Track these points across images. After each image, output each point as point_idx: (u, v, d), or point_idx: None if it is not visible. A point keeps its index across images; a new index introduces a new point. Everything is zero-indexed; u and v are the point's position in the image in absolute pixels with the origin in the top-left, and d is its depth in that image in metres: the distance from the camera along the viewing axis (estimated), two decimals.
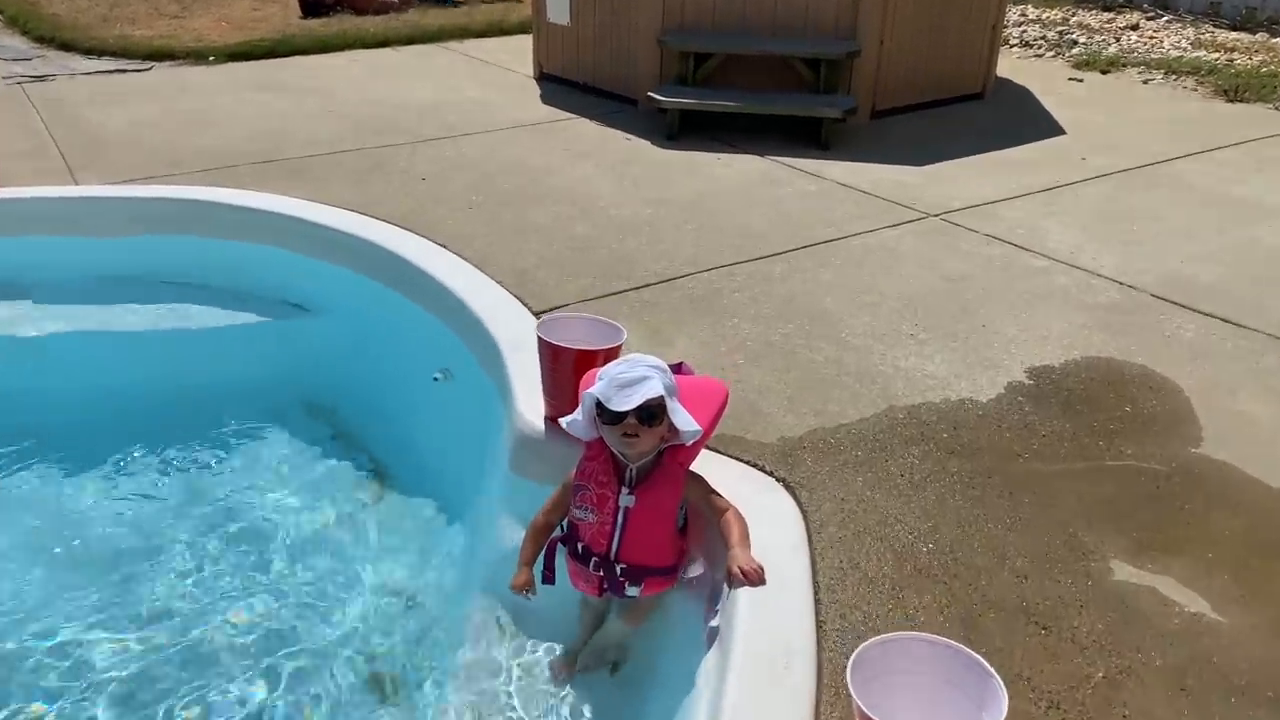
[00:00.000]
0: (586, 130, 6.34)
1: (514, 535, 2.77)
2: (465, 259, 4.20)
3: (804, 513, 2.73)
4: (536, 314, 3.74)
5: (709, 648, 2.41)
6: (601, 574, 2.54)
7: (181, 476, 3.80)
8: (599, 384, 2.44)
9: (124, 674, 2.96)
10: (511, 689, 2.67)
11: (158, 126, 6.13)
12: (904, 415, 3.19)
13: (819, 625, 2.34)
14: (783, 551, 2.56)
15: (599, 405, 2.40)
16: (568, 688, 2.69)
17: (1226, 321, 3.83)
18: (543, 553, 2.61)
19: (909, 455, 2.98)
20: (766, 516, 2.66)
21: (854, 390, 3.33)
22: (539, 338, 2.93)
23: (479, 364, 3.60)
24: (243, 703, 2.86)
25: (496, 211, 4.82)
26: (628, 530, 2.50)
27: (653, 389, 2.36)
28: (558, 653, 2.77)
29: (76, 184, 4.99)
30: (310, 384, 4.13)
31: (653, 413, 2.39)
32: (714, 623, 2.46)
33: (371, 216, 4.60)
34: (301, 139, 5.91)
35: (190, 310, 4.33)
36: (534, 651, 2.79)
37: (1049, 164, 5.75)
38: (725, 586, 2.42)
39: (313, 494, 3.73)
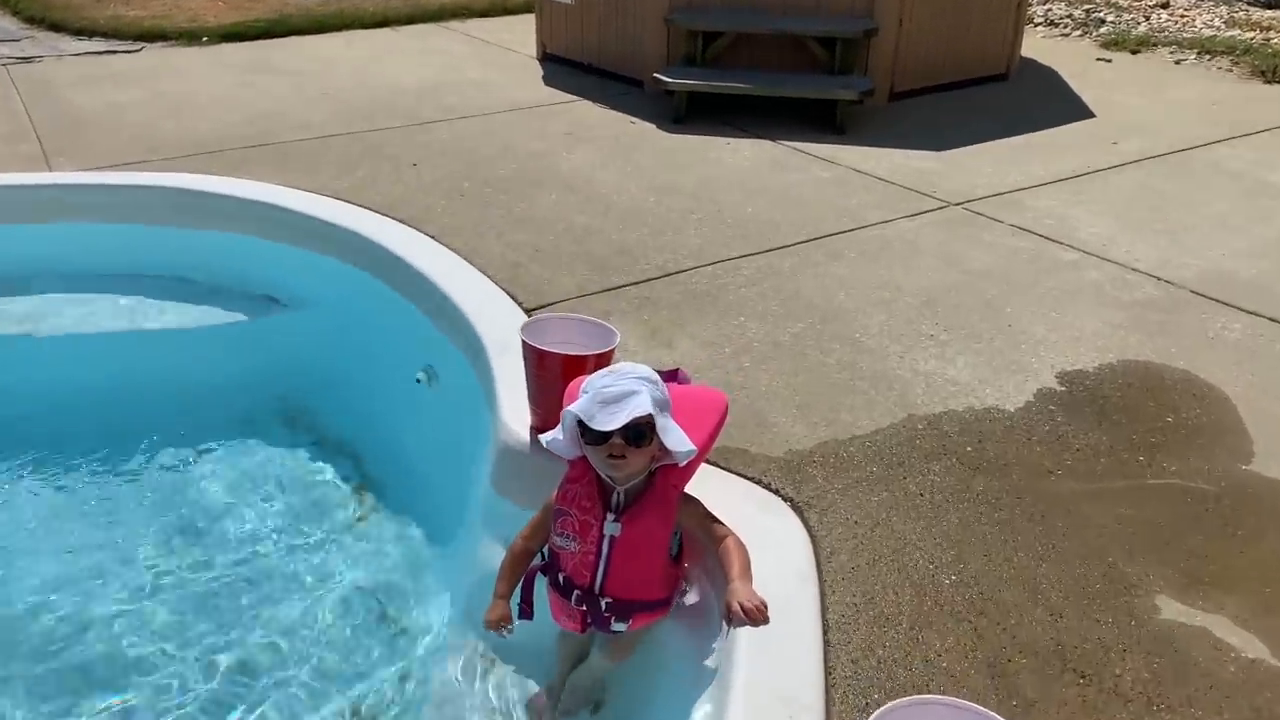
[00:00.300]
0: (589, 113, 6.05)
1: (495, 560, 2.52)
2: (453, 250, 3.94)
3: (813, 538, 2.46)
4: (528, 311, 3.48)
5: (703, 691, 2.16)
6: (585, 608, 2.29)
7: (143, 487, 3.55)
8: (581, 399, 2.17)
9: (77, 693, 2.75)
10: None
11: (141, 110, 5.88)
12: (924, 426, 2.91)
13: (828, 673, 2.08)
14: (788, 582, 2.30)
15: (581, 423, 2.14)
16: None
17: (1275, 321, 3.53)
18: (520, 583, 2.36)
19: (929, 472, 2.71)
20: (771, 541, 2.40)
21: (869, 397, 3.05)
22: (523, 341, 2.67)
23: (467, 364, 3.34)
24: None
25: (490, 199, 4.55)
26: (614, 561, 2.24)
27: (640, 406, 2.10)
28: (537, 690, 2.52)
29: (50, 169, 4.75)
30: (288, 385, 3.88)
31: (641, 432, 2.12)
32: (709, 662, 2.20)
33: (355, 204, 4.34)
34: (291, 123, 5.65)
35: (157, 306, 4.08)
36: (514, 688, 2.53)
37: (1077, 149, 5.44)
38: (724, 624, 2.15)
39: (291, 509, 3.48)
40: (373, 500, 3.47)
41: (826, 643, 2.16)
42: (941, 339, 3.40)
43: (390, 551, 3.22)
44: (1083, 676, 2.08)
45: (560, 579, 2.31)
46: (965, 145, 5.45)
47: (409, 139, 5.43)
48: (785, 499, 2.60)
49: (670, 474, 2.27)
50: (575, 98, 6.35)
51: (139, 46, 7.56)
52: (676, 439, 2.17)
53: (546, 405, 2.64)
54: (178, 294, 4.19)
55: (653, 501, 2.25)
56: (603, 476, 2.25)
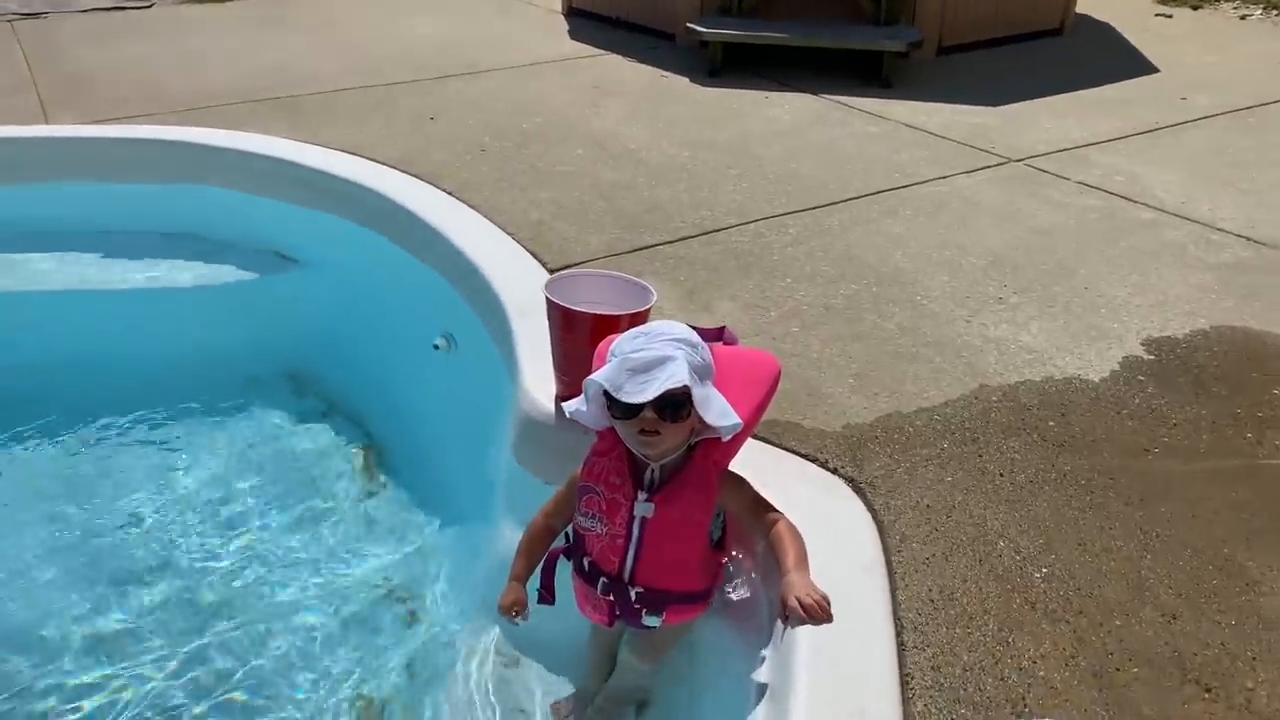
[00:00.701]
0: (618, 67, 5.71)
1: (516, 540, 2.23)
2: (472, 206, 3.63)
3: (878, 523, 2.15)
4: (552, 271, 3.17)
5: (757, 702, 1.86)
6: (612, 598, 1.99)
7: (143, 456, 3.29)
8: (607, 366, 1.87)
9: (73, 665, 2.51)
10: None
11: (147, 65, 5.58)
12: (998, 397, 2.59)
13: (904, 683, 1.78)
14: (853, 575, 1.99)
15: (607, 394, 1.84)
16: None
17: None
18: (540, 566, 2.08)
19: (1008, 449, 2.39)
20: (831, 527, 2.09)
21: (935, 365, 2.73)
22: (547, 299, 2.36)
23: (485, 329, 3.04)
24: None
25: (512, 154, 4.23)
26: (645, 546, 1.95)
27: (675, 375, 1.79)
28: (567, 695, 2.24)
29: (48, 123, 4.48)
30: (296, 350, 3.60)
31: (677, 404, 1.82)
32: (762, 669, 1.90)
33: (368, 159, 4.03)
34: (301, 76, 5.34)
35: (158, 266, 3.79)
36: (538, 684, 2.25)
37: (1143, 104, 5.04)
38: (780, 623, 1.85)
39: (295, 482, 3.20)
40: (383, 474, 3.19)
41: (900, 645, 1.86)
42: (1012, 302, 3.07)
43: (401, 529, 2.94)
44: (1207, 690, 1.76)
45: (585, 564, 2.02)
46: (1022, 100, 5.07)
47: (426, 93, 5.11)
48: (845, 479, 2.28)
49: (712, 449, 1.97)
50: (602, 51, 6.01)
51: (149, 3, 7.26)
52: (719, 412, 1.86)
53: (573, 371, 2.34)
54: (182, 252, 3.91)
55: (691, 479, 1.95)
56: (634, 451, 1.96)
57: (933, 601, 1.95)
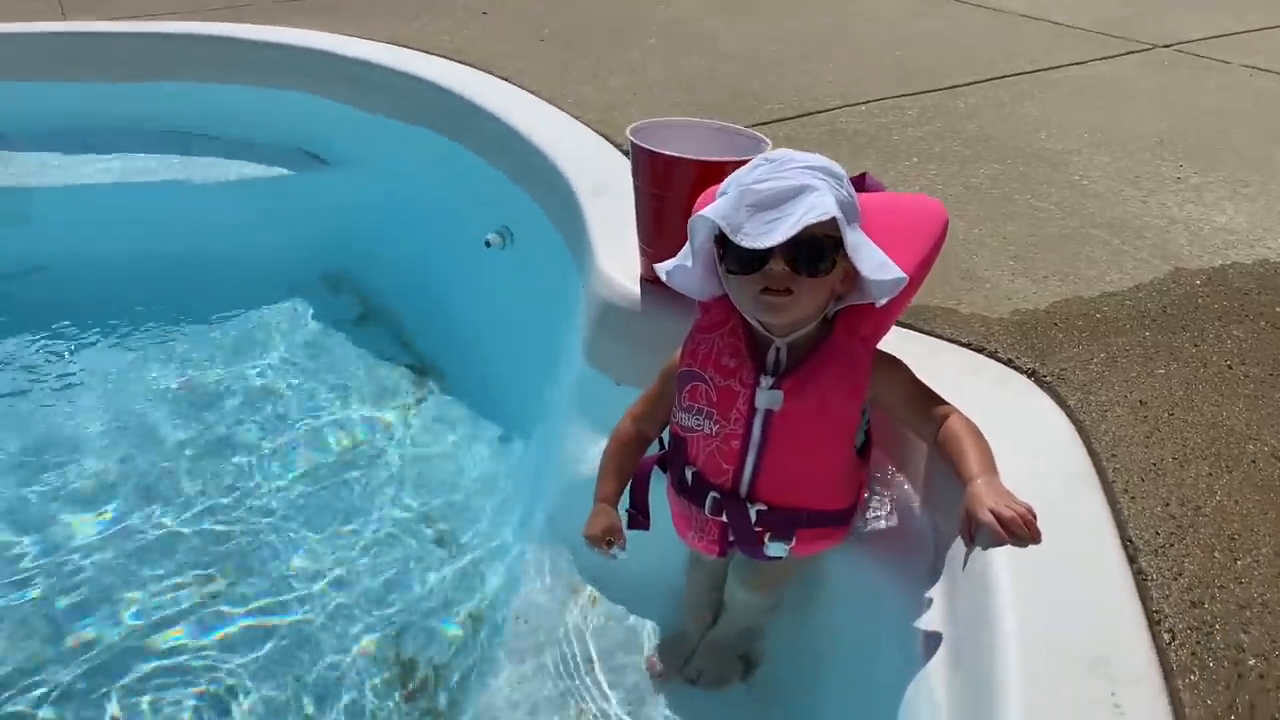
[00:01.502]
0: None
1: (590, 458, 1.74)
2: (531, 92, 3.13)
3: (1077, 423, 1.62)
4: (626, 152, 2.67)
5: (927, 658, 1.36)
6: (725, 519, 1.50)
7: (172, 364, 2.86)
8: (722, 200, 1.37)
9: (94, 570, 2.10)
10: (583, 698, 1.65)
11: None
12: (1202, 281, 2.04)
13: (1152, 624, 1.26)
14: (1060, 487, 1.47)
15: (721, 240, 1.35)
16: (663, 699, 1.67)
17: None
18: (630, 483, 1.59)
19: (1231, 336, 1.84)
20: (1019, 429, 1.57)
21: (1113, 247, 2.18)
22: (634, 145, 1.87)
23: (548, 218, 2.55)
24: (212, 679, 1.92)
25: (574, 44, 3.72)
26: (770, 449, 1.46)
27: (817, 207, 1.30)
28: (658, 642, 1.75)
29: (65, 19, 4.06)
30: (332, 250, 3.14)
31: (817, 250, 1.33)
32: (925, 623, 1.40)
33: (410, 48, 3.55)
34: None
35: (188, 165, 3.36)
36: (620, 630, 1.77)
37: None
38: (968, 547, 1.35)
39: (334, 391, 2.75)
40: (431, 384, 2.72)
41: (1139, 575, 1.33)
42: (1193, 183, 2.50)
43: (450, 448, 2.47)
44: None
45: (688, 476, 1.53)
46: None
47: None
48: (1023, 372, 1.76)
49: (861, 320, 1.47)
50: None
51: None
52: (875, 262, 1.36)
53: (666, 240, 1.84)
54: (213, 150, 3.49)
55: (832, 361, 1.44)
56: (753, 324, 1.45)
57: (1173, 518, 1.42)
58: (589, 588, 1.78)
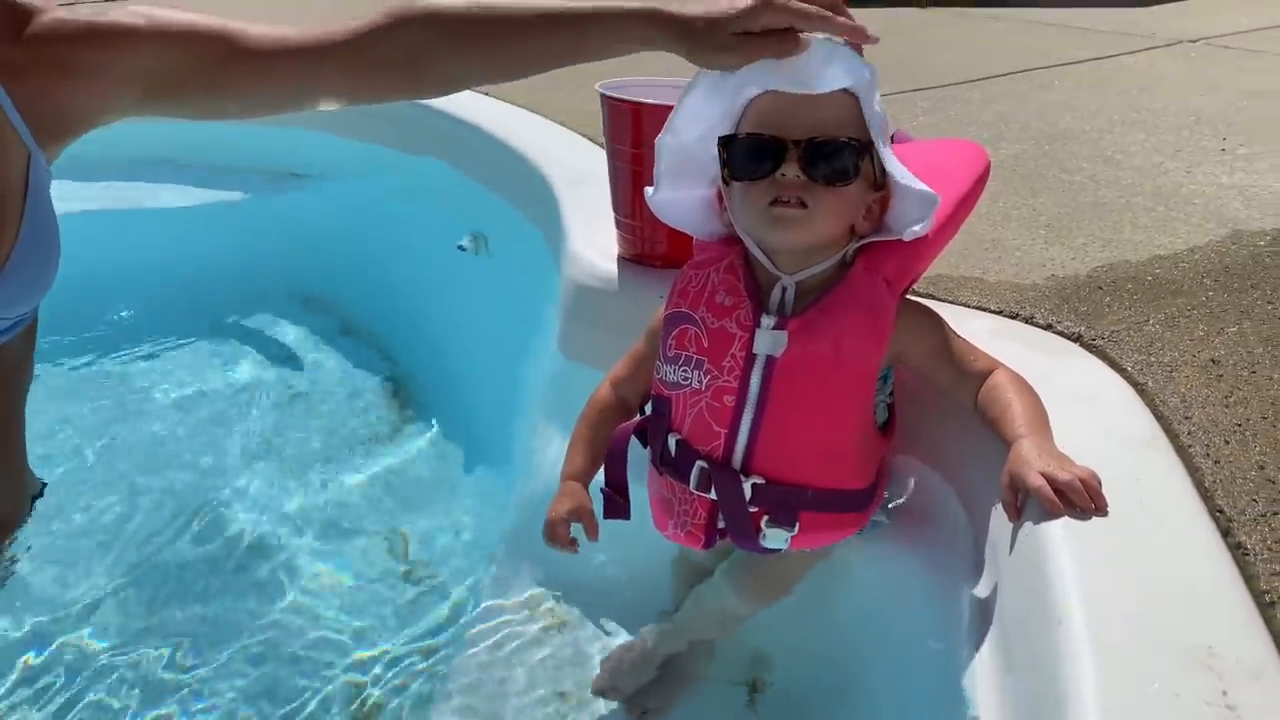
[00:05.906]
0: None
1: (559, 450, 1.47)
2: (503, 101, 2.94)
3: (1136, 385, 1.34)
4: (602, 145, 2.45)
5: (969, 664, 1.08)
6: (713, 495, 1.20)
7: (137, 385, 2.63)
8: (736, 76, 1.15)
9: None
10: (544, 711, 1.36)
11: None
12: (1266, 241, 1.77)
13: (1263, 604, 0.97)
14: (1128, 453, 1.18)
15: (725, 140, 1.15)
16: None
17: None
18: (605, 459, 1.31)
19: None
20: (1070, 393, 1.29)
21: (1159, 214, 1.92)
22: (607, 99, 1.66)
23: (522, 215, 2.35)
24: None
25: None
26: (770, 406, 1.17)
27: (855, 71, 1.08)
28: (617, 646, 1.45)
29: None
30: (305, 269, 2.94)
31: (838, 153, 1.10)
32: (962, 622, 1.12)
33: None
34: None
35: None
36: (596, 652, 1.48)
37: None
38: (1013, 520, 1.07)
39: (300, 408, 2.52)
40: (405, 397, 2.49)
41: (1238, 550, 1.04)
42: (1240, 154, 2.26)
43: (429, 463, 2.22)
44: None
45: (672, 445, 1.23)
46: (1172, 2, 4.26)
47: None
48: (1067, 336, 1.48)
49: (883, 259, 1.21)
50: None
51: None
52: (904, 172, 1.12)
53: (647, 215, 1.60)
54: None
55: (848, 302, 1.18)
56: (756, 256, 1.20)
57: (1272, 482, 1.14)
58: (554, 601, 1.49)
